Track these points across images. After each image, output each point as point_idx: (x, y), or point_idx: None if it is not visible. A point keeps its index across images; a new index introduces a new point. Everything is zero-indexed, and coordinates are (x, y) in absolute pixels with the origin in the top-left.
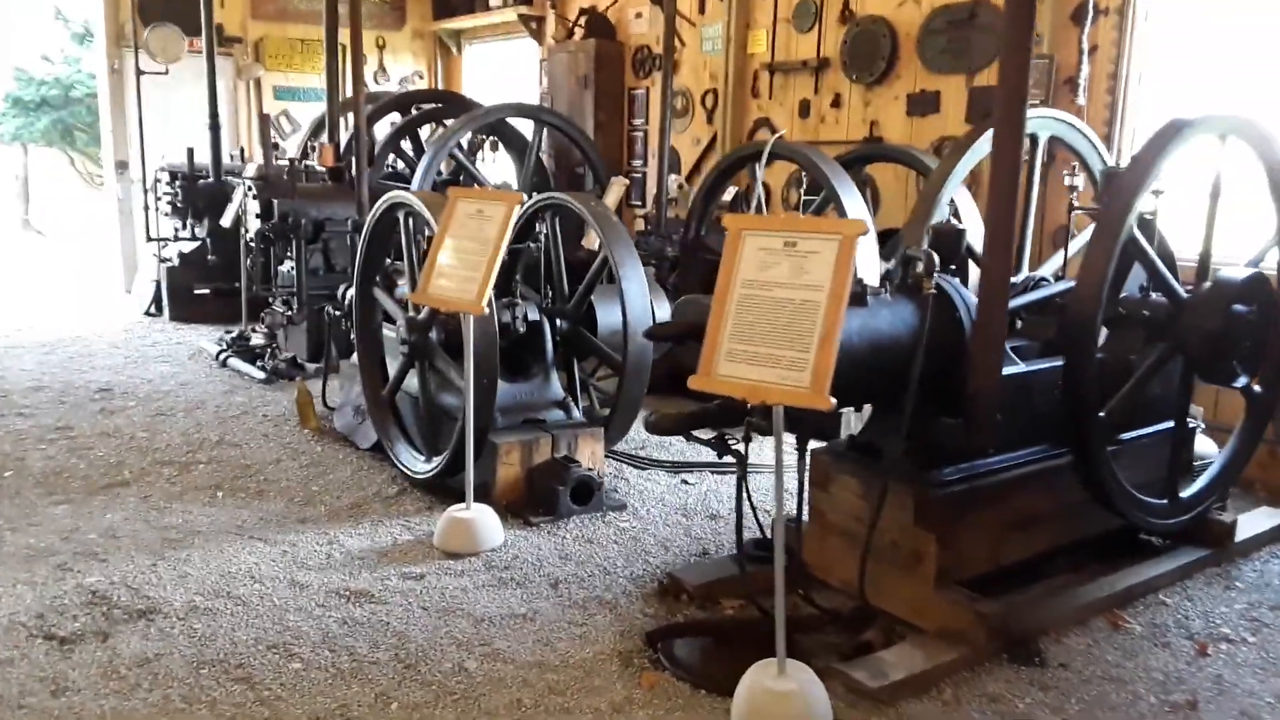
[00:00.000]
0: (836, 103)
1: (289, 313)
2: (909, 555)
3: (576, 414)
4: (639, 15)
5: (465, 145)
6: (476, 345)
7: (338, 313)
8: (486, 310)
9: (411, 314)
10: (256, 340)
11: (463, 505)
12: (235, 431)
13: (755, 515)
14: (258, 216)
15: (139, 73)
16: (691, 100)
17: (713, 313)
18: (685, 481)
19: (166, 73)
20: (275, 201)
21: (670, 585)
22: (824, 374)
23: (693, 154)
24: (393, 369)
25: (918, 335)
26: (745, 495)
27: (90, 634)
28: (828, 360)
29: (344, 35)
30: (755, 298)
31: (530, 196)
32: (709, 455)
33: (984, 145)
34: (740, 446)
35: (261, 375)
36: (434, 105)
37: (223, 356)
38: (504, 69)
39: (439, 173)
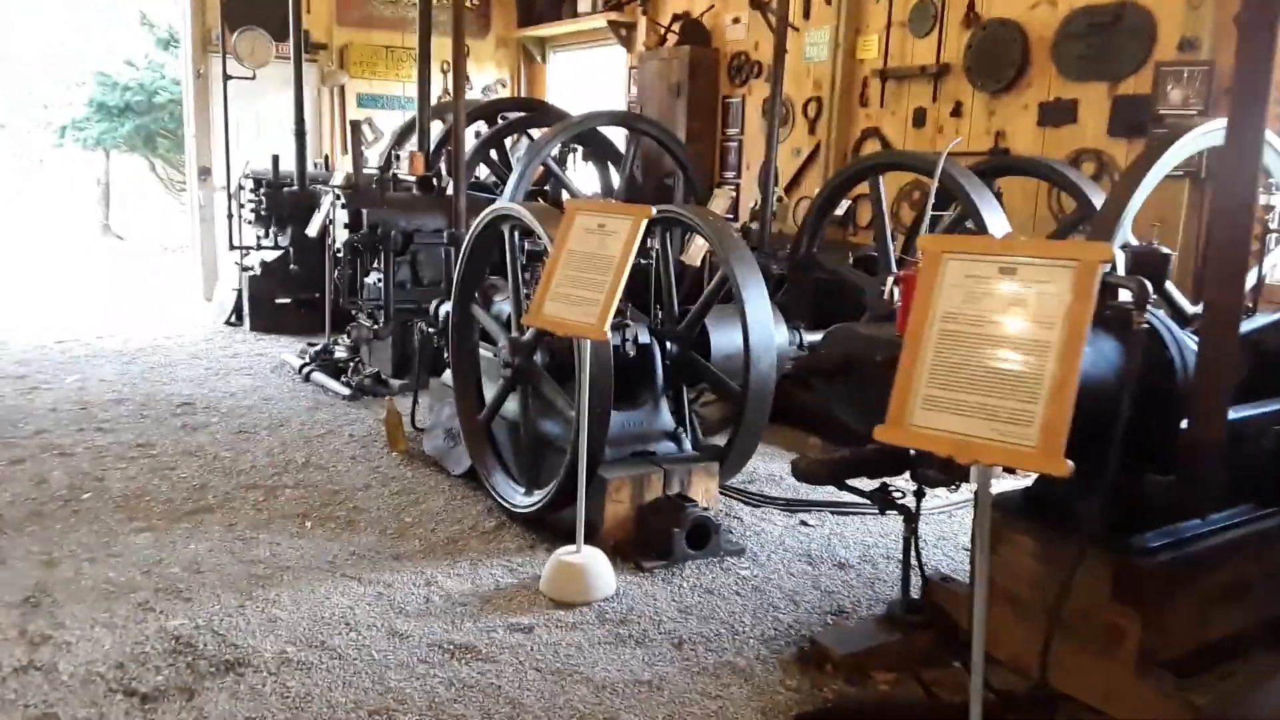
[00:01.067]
0: (957, 111)
1: (375, 326)
2: (1104, 633)
3: (687, 446)
4: (736, 21)
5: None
6: (592, 371)
7: (430, 329)
8: (610, 336)
9: (515, 334)
10: (339, 354)
11: (572, 548)
12: (321, 452)
13: (922, 570)
14: (345, 226)
15: (226, 78)
16: (792, 109)
17: (905, 351)
18: (804, 523)
19: (254, 77)
20: (364, 211)
21: (813, 653)
22: (1057, 432)
23: (792, 165)
24: (489, 392)
25: (1123, 377)
26: (915, 556)
27: (174, 690)
28: (1062, 415)
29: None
30: (961, 335)
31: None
32: (826, 493)
33: (1173, 156)
34: (908, 501)
35: (346, 391)
36: (521, 114)
37: (306, 370)
38: (590, 76)
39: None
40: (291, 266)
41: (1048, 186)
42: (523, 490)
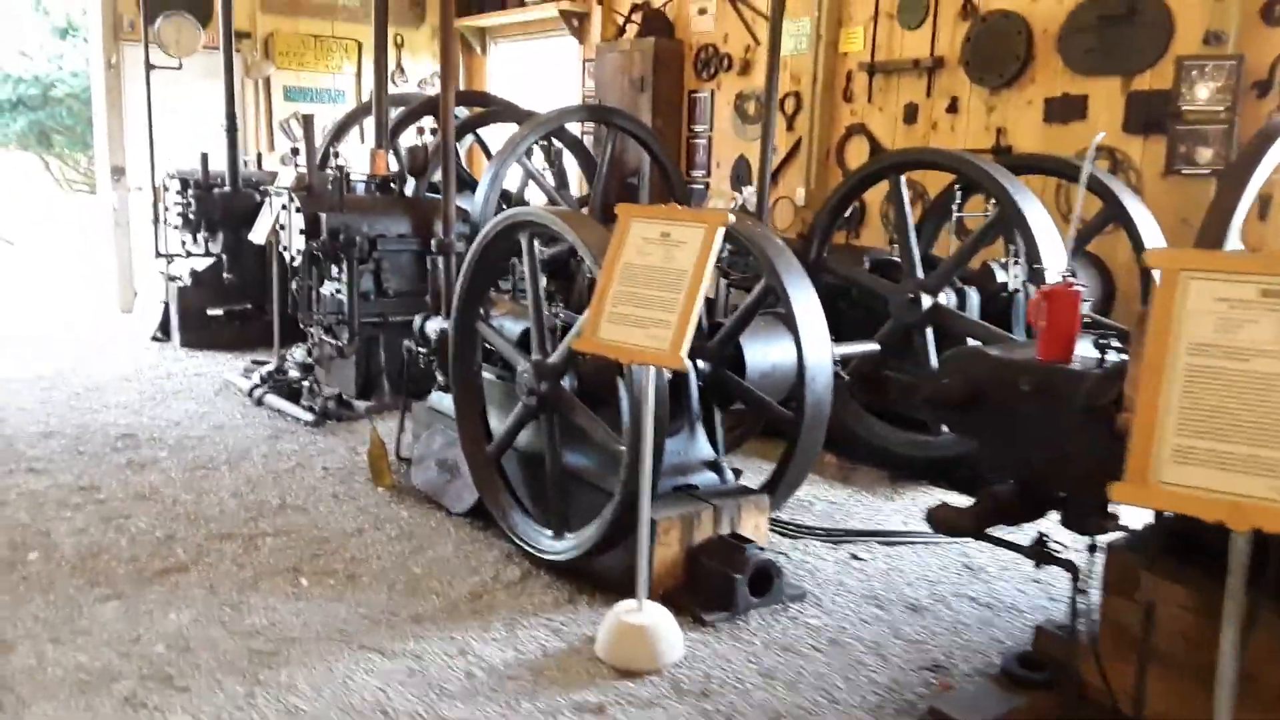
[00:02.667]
0: (953, 107)
1: (338, 343)
2: (1275, 695)
3: (730, 476)
4: (702, 12)
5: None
6: (655, 401)
7: (420, 349)
8: (688, 364)
9: (539, 357)
10: (292, 373)
11: (631, 604)
12: (296, 490)
13: (1075, 627)
14: (301, 232)
15: (149, 67)
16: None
17: (1143, 390)
18: (855, 557)
19: (180, 67)
20: (323, 216)
21: None
22: None
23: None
24: (497, 420)
25: None
26: (1081, 623)
27: None
28: None
29: (356, 32)
30: (1217, 371)
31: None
32: (865, 520)
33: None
34: (1074, 556)
35: (308, 416)
36: (482, 110)
37: (257, 393)
38: (536, 69)
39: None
40: (225, 275)
41: (1055, 184)
42: (550, 534)
